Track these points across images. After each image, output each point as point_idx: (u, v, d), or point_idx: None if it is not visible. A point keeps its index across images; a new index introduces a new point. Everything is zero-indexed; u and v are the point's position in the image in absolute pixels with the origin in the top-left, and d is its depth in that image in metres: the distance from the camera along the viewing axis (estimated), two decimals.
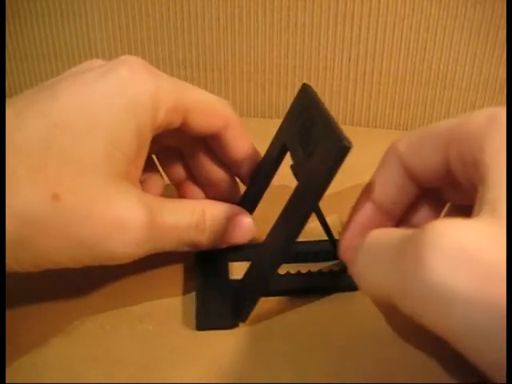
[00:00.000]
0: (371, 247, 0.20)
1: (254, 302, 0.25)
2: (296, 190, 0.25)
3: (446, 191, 0.24)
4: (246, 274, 0.27)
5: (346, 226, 0.25)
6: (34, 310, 0.27)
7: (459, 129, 0.21)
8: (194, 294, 0.28)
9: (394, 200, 0.25)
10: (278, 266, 0.25)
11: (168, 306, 0.27)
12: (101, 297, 0.28)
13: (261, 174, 0.30)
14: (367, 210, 0.25)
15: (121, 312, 0.27)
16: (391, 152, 0.24)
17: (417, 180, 0.24)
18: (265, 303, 0.27)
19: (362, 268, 0.20)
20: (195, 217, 0.27)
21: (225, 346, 0.25)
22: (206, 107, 0.28)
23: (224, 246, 0.29)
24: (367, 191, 0.25)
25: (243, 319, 0.26)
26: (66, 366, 0.24)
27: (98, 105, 0.23)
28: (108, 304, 0.27)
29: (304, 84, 0.28)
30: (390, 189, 0.24)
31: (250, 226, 0.29)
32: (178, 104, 0.26)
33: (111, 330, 0.26)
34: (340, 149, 0.21)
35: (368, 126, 0.48)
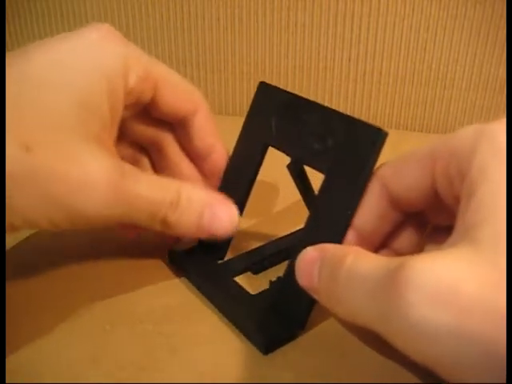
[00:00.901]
0: (350, 273, 0.19)
1: (312, 303, 0.24)
2: (327, 186, 0.25)
3: (429, 213, 0.23)
4: (288, 277, 0.25)
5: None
6: (34, 310, 0.27)
7: (445, 146, 0.20)
8: (194, 294, 0.28)
9: (375, 228, 0.24)
10: None
11: (168, 306, 0.27)
12: (101, 297, 0.28)
13: (243, 176, 0.29)
14: (348, 237, 0.24)
15: (121, 312, 0.27)
16: (374, 179, 0.24)
17: (400, 206, 0.23)
18: None
19: (337, 294, 0.20)
20: (170, 194, 0.25)
21: (225, 346, 0.25)
22: (176, 85, 0.28)
23: (202, 236, 0.27)
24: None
25: (302, 325, 0.25)
26: (66, 366, 0.24)
27: (70, 63, 0.23)
28: (108, 304, 0.27)
29: (262, 82, 0.28)
30: (372, 217, 0.24)
31: (231, 217, 0.27)
32: (149, 75, 0.26)
33: (111, 330, 0.26)
34: (380, 135, 0.24)
35: None
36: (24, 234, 0.33)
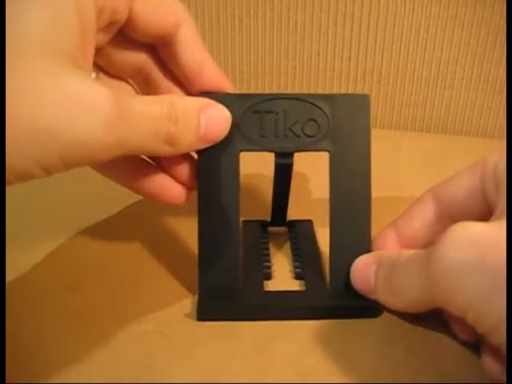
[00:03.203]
0: (406, 264, 0.23)
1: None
2: (337, 164, 0.27)
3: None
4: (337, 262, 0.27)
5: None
6: (34, 310, 0.27)
7: (500, 145, 0.24)
8: (193, 294, 0.28)
9: (416, 234, 0.27)
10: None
11: (168, 305, 0.27)
12: (100, 297, 0.28)
13: (228, 201, 0.27)
14: (387, 235, 0.27)
15: (121, 312, 0.27)
16: (428, 190, 0.27)
17: (451, 215, 0.25)
18: None
19: (395, 285, 0.24)
20: (165, 108, 0.24)
21: (225, 345, 0.25)
22: None
23: (201, 145, 0.26)
24: (393, 221, 0.27)
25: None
26: (66, 366, 0.24)
27: None
28: (108, 304, 0.27)
29: (202, 93, 0.27)
30: (416, 223, 0.26)
31: (225, 117, 0.26)
32: None
33: (111, 330, 0.26)
34: (365, 99, 0.26)
35: None
36: (24, 233, 0.33)
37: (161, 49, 0.27)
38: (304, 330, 0.26)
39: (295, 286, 0.29)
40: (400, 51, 0.46)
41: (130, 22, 0.25)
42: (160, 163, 0.28)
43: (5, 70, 0.20)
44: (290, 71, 0.49)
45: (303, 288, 0.28)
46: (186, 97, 0.27)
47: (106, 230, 0.34)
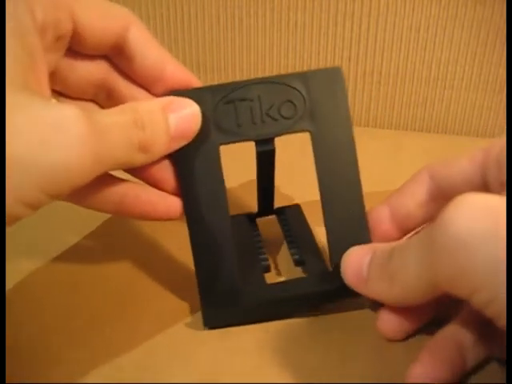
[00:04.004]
0: (405, 245, 0.22)
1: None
2: (320, 143, 0.26)
3: None
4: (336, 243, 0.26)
5: None
6: (33, 310, 0.27)
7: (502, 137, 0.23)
8: (193, 294, 0.28)
9: (410, 214, 0.26)
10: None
11: (168, 305, 0.27)
12: (100, 297, 0.28)
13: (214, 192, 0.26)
14: (380, 212, 0.26)
15: (121, 312, 0.27)
16: (423, 169, 0.26)
17: (446, 197, 0.24)
18: None
19: (391, 272, 0.22)
20: (128, 114, 0.23)
21: (225, 345, 0.25)
22: (95, 3, 0.25)
23: (176, 145, 0.25)
24: (388, 198, 0.26)
25: None
26: (66, 366, 0.24)
27: None
28: (107, 304, 0.27)
29: (173, 91, 0.26)
30: (410, 202, 0.25)
31: (194, 111, 0.25)
32: (57, 1, 0.23)
33: (111, 330, 0.26)
34: (338, 72, 0.26)
35: (368, 126, 0.48)
36: (25, 234, 0.33)
37: (116, 58, 0.26)
38: (304, 330, 0.26)
39: (296, 273, 0.28)
40: (400, 51, 0.46)
41: (76, 35, 0.24)
42: (145, 178, 0.27)
43: (5, 99, 0.19)
44: (289, 71, 0.49)
45: (305, 274, 0.28)
46: (148, 99, 0.26)
47: (106, 230, 0.34)
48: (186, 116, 0.25)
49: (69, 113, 0.20)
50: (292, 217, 0.32)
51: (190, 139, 0.25)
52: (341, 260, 0.25)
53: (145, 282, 0.29)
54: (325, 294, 0.26)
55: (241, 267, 0.27)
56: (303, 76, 0.26)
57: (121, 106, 0.24)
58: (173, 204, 0.26)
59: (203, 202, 0.26)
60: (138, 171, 0.26)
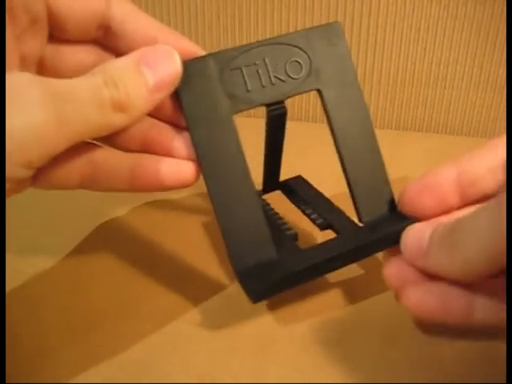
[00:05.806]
0: (469, 216, 0.21)
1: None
2: (329, 99, 0.26)
3: None
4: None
5: (415, 181, 0.25)
6: (33, 310, 0.27)
7: None
8: (193, 293, 0.28)
9: (479, 179, 0.24)
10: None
11: (168, 305, 0.27)
12: (100, 297, 0.28)
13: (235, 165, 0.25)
14: (446, 173, 0.24)
15: (121, 311, 0.27)
16: (496, 137, 0.25)
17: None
18: (265, 303, 0.27)
19: (455, 241, 0.21)
20: (97, 75, 0.22)
21: (225, 345, 0.25)
22: None
23: (160, 96, 0.23)
24: (457, 159, 0.25)
25: None
26: (66, 366, 0.24)
27: None
28: (107, 304, 0.27)
29: (185, 61, 0.24)
30: (483, 165, 0.24)
31: (171, 54, 0.23)
32: None
33: (111, 329, 0.26)
34: (338, 26, 0.26)
35: None
36: (25, 234, 0.33)
37: (105, 39, 0.25)
38: (304, 330, 0.26)
39: (326, 236, 0.27)
40: (400, 51, 0.46)
41: (55, 18, 0.23)
42: (154, 149, 0.26)
43: (5, 99, 0.19)
44: None
45: (336, 235, 0.27)
46: (117, 58, 0.24)
47: (106, 230, 0.34)
48: (163, 64, 0.23)
49: (21, 77, 0.20)
50: (299, 186, 0.32)
51: (173, 87, 0.24)
52: (369, 212, 0.26)
53: (144, 282, 0.29)
54: (362, 248, 0.25)
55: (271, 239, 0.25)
56: (304, 34, 0.26)
57: (92, 70, 0.22)
58: (187, 168, 0.25)
59: (226, 176, 0.25)
60: (149, 144, 0.25)
